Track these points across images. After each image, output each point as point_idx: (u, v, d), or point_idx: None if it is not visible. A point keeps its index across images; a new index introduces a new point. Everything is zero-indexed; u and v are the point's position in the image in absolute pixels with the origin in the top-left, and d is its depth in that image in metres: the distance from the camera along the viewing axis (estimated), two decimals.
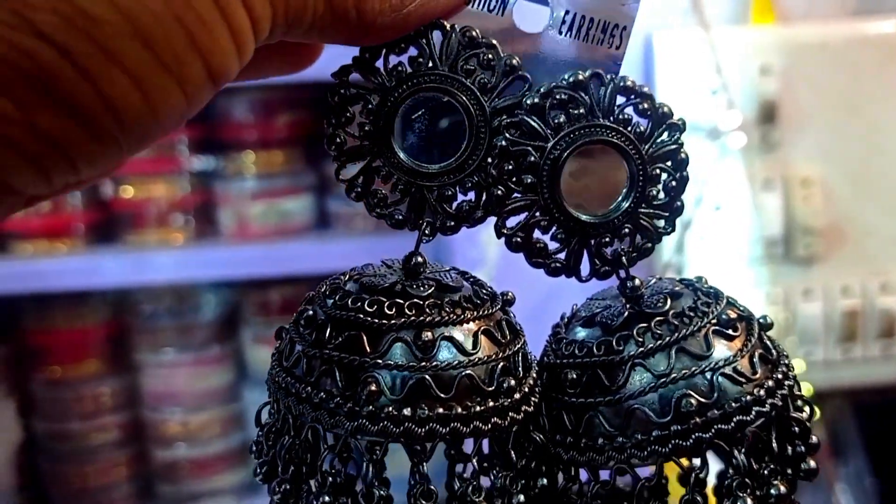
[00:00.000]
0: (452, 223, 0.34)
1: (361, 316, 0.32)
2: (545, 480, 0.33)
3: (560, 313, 0.37)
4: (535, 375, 0.33)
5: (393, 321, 0.32)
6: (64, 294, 1.26)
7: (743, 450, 0.32)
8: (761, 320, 0.34)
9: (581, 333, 0.34)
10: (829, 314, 1.09)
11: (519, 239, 0.34)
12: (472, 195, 0.34)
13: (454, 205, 0.34)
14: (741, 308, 0.35)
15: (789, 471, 0.33)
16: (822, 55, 1.07)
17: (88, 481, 1.26)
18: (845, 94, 1.07)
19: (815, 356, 1.09)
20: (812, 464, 0.33)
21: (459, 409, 0.31)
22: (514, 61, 0.33)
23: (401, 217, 0.34)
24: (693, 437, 0.31)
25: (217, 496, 1.27)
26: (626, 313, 0.34)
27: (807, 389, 1.06)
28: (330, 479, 0.32)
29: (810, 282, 1.09)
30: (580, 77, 0.33)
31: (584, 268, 0.34)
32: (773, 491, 0.32)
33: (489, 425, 0.31)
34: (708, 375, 0.32)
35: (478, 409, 0.31)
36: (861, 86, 1.07)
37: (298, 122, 1.25)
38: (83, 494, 1.26)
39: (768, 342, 0.34)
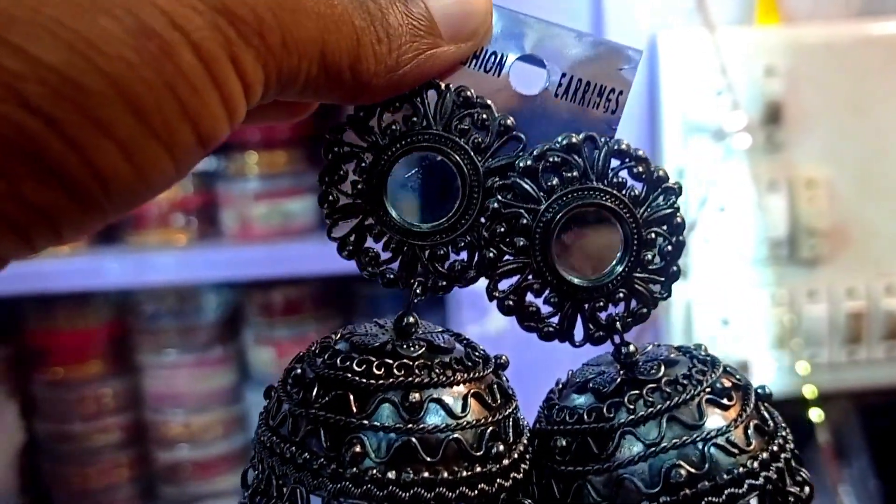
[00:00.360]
0: (444, 283, 0.34)
1: (349, 375, 0.31)
2: None
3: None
4: (525, 442, 0.33)
5: (381, 381, 0.31)
6: (66, 295, 1.25)
7: None
8: (759, 390, 0.34)
9: (573, 400, 0.34)
10: (834, 316, 1.09)
11: (511, 302, 0.33)
12: (464, 255, 0.34)
13: (446, 264, 0.34)
14: (738, 377, 0.34)
15: None
16: (828, 56, 1.07)
17: (90, 483, 1.26)
18: (851, 95, 1.07)
19: (820, 358, 1.09)
20: None
21: (446, 474, 0.30)
22: (509, 122, 0.33)
23: (392, 276, 0.34)
24: None
25: (219, 497, 1.27)
26: (619, 380, 0.33)
27: (811, 392, 1.06)
28: None
29: (815, 283, 1.09)
30: (573, 140, 0.33)
31: (578, 332, 0.34)
32: None
33: (476, 491, 0.31)
34: (700, 446, 0.31)
35: (465, 473, 0.31)
36: (866, 87, 1.06)
37: (301, 123, 1.25)
38: (85, 496, 1.26)
39: (765, 412, 0.33)
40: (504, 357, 0.34)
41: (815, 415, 1.06)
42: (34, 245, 0.26)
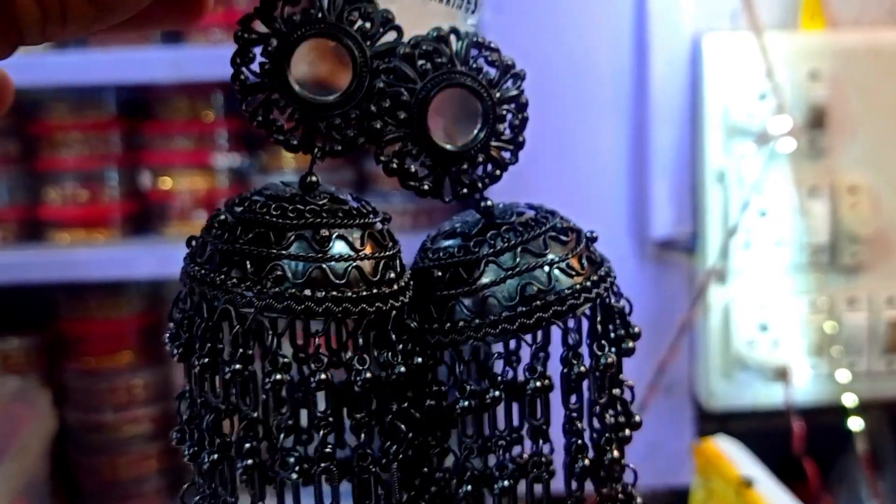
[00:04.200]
0: (340, 148, 0.41)
1: (268, 217, 0.39)
2: (419, 359, 0.41)
3: None
4: (407, 277, 0.41)
5: (295, 221, 0.39)
6: (99, 285, 1.27)
7: (574, 328, 0.41)
8: (588, 233, 0.42)
9: (444, 243, 0.42)
10: (874, 324, 1.10)
11: (394, 165, 0.41)
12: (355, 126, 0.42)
13: (341, 133, 0.41)
14: (572, 224, 0.42)
15: (613, 349, 0.41)
16: (872, 61, 1.08)
17: (119, 473, 1.29)
18: (895, 100, 1.07)
19: (859, 367, 1.10)
20: (630, 345, 0.41)
21: (350, 293, 0.38)
22: (389, 15, 0.41)
23: (296, 142, 0.41)
24: (535, 316, 0.39)
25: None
26: (481, 224, 0.42)
27: (852, 401, 1.06)
28: (241, 350, 0.38)
29: (855, 290, 1.10)
30: (442, 33, 0.41)
31: (447, 191, 0.43)
32: (602, 360, 0.40)
33: (374, 307, 0.38)
34: (546, 269, 0.40)
35: (365, 293, 0.38)
36: None
37: None
38: (113, 486, 1.29)
39: (594, 249, 0.42)
40: (388, 214, 0.43)
41: (855, 424, 1.06)
42: (45, 29, 0.33)
